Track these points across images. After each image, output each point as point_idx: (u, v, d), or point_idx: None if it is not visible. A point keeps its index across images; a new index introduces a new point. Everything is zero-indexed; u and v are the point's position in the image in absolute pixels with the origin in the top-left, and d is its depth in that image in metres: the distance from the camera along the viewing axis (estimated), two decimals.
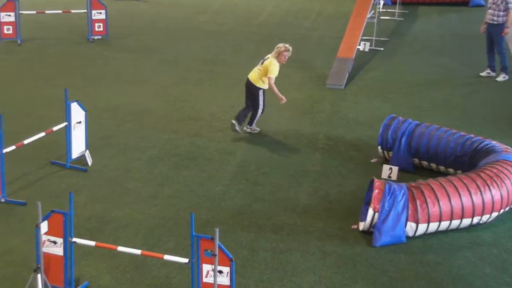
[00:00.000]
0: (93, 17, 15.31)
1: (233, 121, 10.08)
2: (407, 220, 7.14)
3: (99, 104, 11.36)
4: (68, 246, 6.05)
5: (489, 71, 13.37)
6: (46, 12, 16.14)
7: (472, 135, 8.71)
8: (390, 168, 8.73)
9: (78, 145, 8.90)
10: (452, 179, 7.49)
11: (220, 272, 5.59)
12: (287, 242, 7.25)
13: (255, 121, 10.26)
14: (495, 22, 12.89)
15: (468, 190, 7.33)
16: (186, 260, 5.71)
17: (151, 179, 8.69)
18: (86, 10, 15.31)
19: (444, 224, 7.31)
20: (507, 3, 12.74)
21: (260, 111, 10.14)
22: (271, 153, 9.62)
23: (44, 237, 6.01)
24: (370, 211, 7.13)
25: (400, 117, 9.25)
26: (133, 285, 6.45)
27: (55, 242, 6.05)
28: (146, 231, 7.41)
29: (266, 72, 9.82)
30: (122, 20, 17.70)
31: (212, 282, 5.62)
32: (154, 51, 15.00)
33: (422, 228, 7.23)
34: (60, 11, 16.23)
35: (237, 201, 8.14)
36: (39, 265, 5.89)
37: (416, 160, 8.99)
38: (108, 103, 11.52)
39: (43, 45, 15.25)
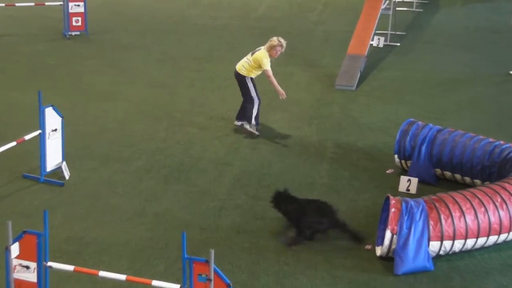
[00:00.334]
0: (70, 10, 15.35)
1: (236, 123, 10.56)
2: (429, 240, 7.15)
3: (78, 109, 11.39)
4: (43, 271, 6.05)
5: None
6: (17, 4, 16.21)
7: (502, 142, 8.73)
8: (409, 180, 8.75)
9: (53, 156, 8.91)
10: (475, 192, 7.52)
11: None
12: (292, 264, 7.26)
13: (253, 116, 10.46)
14: None
15: (494, 203, 7.35)
16: (177, 286, 5.71)
17: (137, 194, 8.70)
18: (62, 3, 15.34)
19: (470, 242, 7.32)
20: None
21: (256, 103, 10.42)
22: (273, 163, 9.64)
23: (15, 262, 6.01)
24: (388, 233, 7.13)
25: (420, 122, 9.28)
26: None
27: (27, 267, 6.05)
28: (131, 253, 7.41)
29: (258, 64, 10.36)
30: (103, 13, 17.76)
31: None
32: (139, 48, 15.04)
33: (447, 245, 7.23)
34: (33, 4, 16.26)
35: (235, 219, 8.15)
36: None
37: (438, 171, 9.02)
38: (88, 108, 11.55)
39: (13, 43, 15.29)
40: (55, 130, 8.84)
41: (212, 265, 5.46)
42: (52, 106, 8.74)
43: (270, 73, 10.34)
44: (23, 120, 10.63)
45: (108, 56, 14.46)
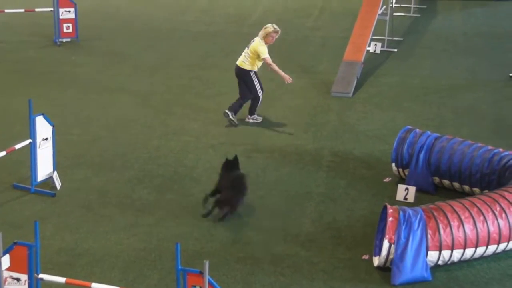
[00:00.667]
0: (61, 17, 15.37)
1: (227, 111, 10.97)
2: (427, 250, 7.18)
3: (69, 118, 11.41)
4: (34, 283, 6.06)
5: None
6: (6, 11, 16.21)
7: (501, 149, 8.77)
8: (406, 189, 8.78)
9: (44, 166, 8.93)
10: (473, 200, 7.55)
11: None
12: (288, 276, 7.28)
13: (256, 110, 11.05)
14: None
15: (493, 212, 7.39)
16: None
17: (130, 205, 8.72)
18: (52, 9, 15.36)
19: (469, 252, 7.35)
20: None
21: (260, 96, 11.14)
22: (268, 172, 9.67)
23: (5, 274, 6.02)
24: (386, 243, 7.16)
25: (417, 129, 9.32)
26: None
27: (18, 279, 6.06)
28: (124, 264, 7.43)
29: (257, 54, 10.92)
30: (95, 19, 17.78)
31: None
32: (131, 55, 15.08)
33: (446, 255, 7.26)
34: (23, 10, 16.29)
35: (229, 229, 8.17)
36: None
37: (436, 179, 9.06)
38: (79, 116, 11.57)
39: (2, 50, 15.32)
40: (46, 139, 8.86)
41: (207, 277, 5.48)
42: (43, 114, 8.76)
43: (270, 60, 10.90)
44: (13, 128, 10.66)
45: (99, 63, 14.48)
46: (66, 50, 15.23)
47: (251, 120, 11.21)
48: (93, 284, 6.03)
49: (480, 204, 7.48)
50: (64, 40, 15.59)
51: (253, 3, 19.89)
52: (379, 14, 14.83)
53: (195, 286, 5.60)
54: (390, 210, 7.31)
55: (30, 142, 8.68)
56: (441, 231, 7.21)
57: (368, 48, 14.29)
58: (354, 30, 14.31)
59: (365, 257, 7.55)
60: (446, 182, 9.01)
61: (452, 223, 7.26)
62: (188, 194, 9.00)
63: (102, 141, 10.62)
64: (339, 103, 12.35)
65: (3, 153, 8.52)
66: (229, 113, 11.04)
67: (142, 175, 9.52)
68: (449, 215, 7.31)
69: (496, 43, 16.10)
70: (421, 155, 8.98)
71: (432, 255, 7.22)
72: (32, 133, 8.65)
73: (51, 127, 8.90)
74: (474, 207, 7.43)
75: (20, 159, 9.32)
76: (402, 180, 9.19)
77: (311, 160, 10.07)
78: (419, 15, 18.48)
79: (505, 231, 7.42)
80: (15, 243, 6.02)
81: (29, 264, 6.00)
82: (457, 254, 7.30)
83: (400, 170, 9.25)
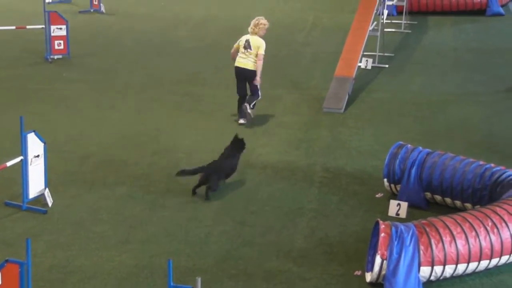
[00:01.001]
0: (52, 34, 15.41)
1: (242, 121, 11.82)
2: (419, 265, 7.20)
3: (60, 135, 11.42)
4: None
5: None
6: None
7: (492, 165, 8.81)
8: (398, 204, 8.81)
9: (36, 183, 8.92)
10: (465, 216, 7.58)
11: None
12: None
13: (252, 104, 11.75)
14: None
15: (485, 228, 7.41)
16: None
17: (122, 221, 8.72)
18: (44, 26, 15.40)
19: (461, 268, 7.37)
20: None
21: (260, 96, 11.84)
22: (260, 188, 9.69)
23: None
24: (378, 259, 7.17)
25: (409, 145, 9.35)
26: None
27: None
28: (116, 282, 7.42)
29: (257, 51, 11.68)
30: (86, 36, 17.84)
31: None
32: (122, 71, 15.11)
33: (438, 270, 7.27)
34: (14, 27, 16.32)
35: (222, 245, 8.18)
36: None
37: (428, 194, 9.08)
38: (70, 133, 11.58)
39: None
40: (38, 156, 8.86)
41: None
42: (34, 131, 8.77)
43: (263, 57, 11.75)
44: (4, 145, 10.66)
45: (91, 80, 14.51)
46: (57, 67, 15.25)
47: (249, 110, 11.75)
48: None
49: (472, 219, 7.51)
50: (56, 57, 15.63)
51: (245, 20, 19.89)
52: (370, 30, 14.89)
53: None
54: (382, 226, 7.33)
55: (21, 159, 8.68)
56: (434, 246, 7.23)
57: (359, 64, 14.35)
58: (345, 46, 14.37)
59: (358, 273, 7.56)
60: (438, 197, 9.04)
61: (444, 238, 7.28)
62: (180, 210, 9.01)
63: (94, 158, 10.62)
64: (330, 119, 12.39)
65: None
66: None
67: (134, 191, 9.52)
68: (441, 230, 7.33)
69: (486, 58, 16.20)
70: (413, 171, 9.02)
71: (425, 271, 7.23)
72: (23, 150, 8.65)
73: (43, 144, 8.91)
74: (466, 222, 7.46)
75: (12, 176, 9.31)
76: (394, 196, 9.22)
77: (303, 176, 10.09)
78: (410, 31, 18.59)
79: (497, 246, 7.45)
80: (6, 261, 6.00)
81: (20, 281, 5.98)
82: (449, 270, 7.32)
83: (392, 185, 9.28)
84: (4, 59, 15.85)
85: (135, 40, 17.76)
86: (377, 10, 15.48)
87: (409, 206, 8.83)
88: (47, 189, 9.07)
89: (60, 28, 15.46)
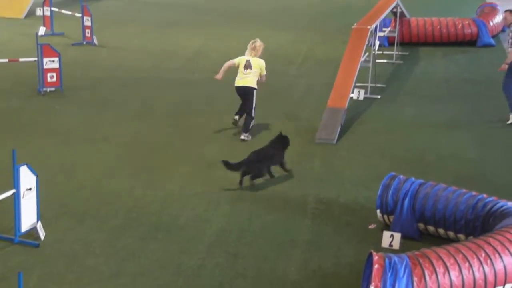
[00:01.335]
0: (45, 66, 15.43)
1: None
2: None
3: (52, 167, 11.41)
4: None
5: None
6: None
7: (485, 195, 8.84)
8: (392, 235, 8.81)
9: (28, 216, 8.90)
10: (459, 246, 7.58)
11: None
12: None
13: (251, 127, 12.56)
14: None
15: (478, 259, 7.41)
16: None
17: (114, 254, 8.70)
18: (36, 58, 15.44)
19: None
20: None
21: (253, 117, 12.64)
22: (253, 219, 9.68)
23: None
24: None
25: (401, 176, 9.38)
26: None
27: None
28: None
29: (259, 70, 12.64)
30: (78, 69, 17.86)
31: None
32: (115, 104, 15.13)
33: None
34: (6, 60, 16.35)
35: (215, 277, 8.16)
36: None
37: (421, 225, 9.09)
38: (63, 166, 11.57)
39: None
40: (30, 189, 8.85)
41: None
42: (26, 164, 8.77)
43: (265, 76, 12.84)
44: None
45: (83, 112, 14.52)
46: (50, 100, 15.27)
47: (245, 138, 12.47)
48: None
49: (466, 250, 7.51)
50: (48, 89, 15.64)
51: (238, 53, 19.98)
52: (362, 61, 14.96)
53: None
54: (375, 257, 7.32)
55: (13, 193, 8.67)
56: (427, 278, 7.22)
57: (351, 95, 14.41)
58: (337, 77, 14.41)
59: None
60: (431, 228, 9.05)
61: (438, 269, 7.27)
62: (172, 242, 8.99)
63: (86, 190, 10.61)
64: (323, 150, 12.42)
65: None
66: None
67: (127, 223, 9.50)
68: (434, 261, 7.33)
69: (477, 89, 16.29)
70: (406, 202, 9.03)
71: None
72: (16, 183, 8.65)
73: (35, 177, 8.90)
74: (460, 253, 7.46)
75: (4, 209, 9.29)
76: (387, 227, 9.22)
77: (296, 207, 10.09)
78: (401, 62, 18.70)
79: (490, 277, 7.44)
80: None
81: None
82: None
83: (385, 216, 9.29)
84: None
85: (128, 72, 17.79)
86: (368, 41, 15.56)
87: (402, 237, 8.83)
88: (39, 222, 9.05)
89: (53, 61, 15.49)
